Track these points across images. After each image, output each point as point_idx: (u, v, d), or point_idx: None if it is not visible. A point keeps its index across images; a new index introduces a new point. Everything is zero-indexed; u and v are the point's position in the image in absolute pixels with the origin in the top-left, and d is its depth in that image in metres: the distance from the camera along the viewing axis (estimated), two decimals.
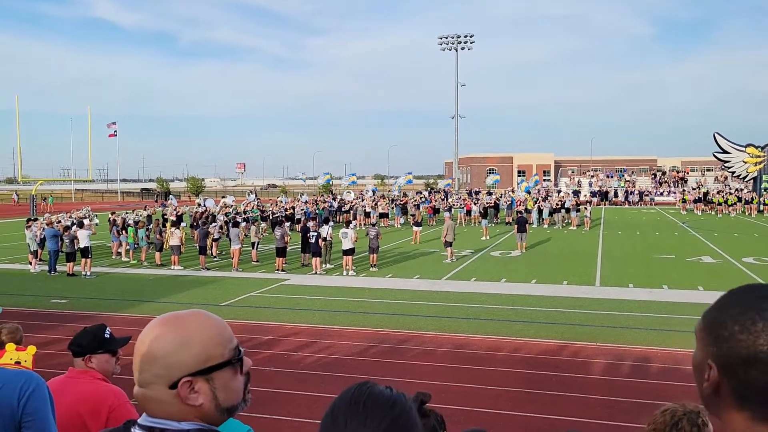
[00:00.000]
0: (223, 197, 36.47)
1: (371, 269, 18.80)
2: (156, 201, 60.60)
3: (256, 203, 34.25)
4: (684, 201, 44.52)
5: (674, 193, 55.00)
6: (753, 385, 0.98)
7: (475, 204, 35.41)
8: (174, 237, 19.85)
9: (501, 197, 39.54)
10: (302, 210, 32.15)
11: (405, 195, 43.64)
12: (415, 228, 26.17)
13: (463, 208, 35.92)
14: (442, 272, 18.33)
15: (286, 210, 31.79)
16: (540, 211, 34.00)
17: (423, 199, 40.07)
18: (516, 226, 22.93)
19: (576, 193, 52.79)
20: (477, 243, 25.72)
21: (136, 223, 22.11)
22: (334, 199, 39.02)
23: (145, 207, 31.82)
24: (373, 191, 44.03)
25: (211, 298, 14.99)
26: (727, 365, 1.01)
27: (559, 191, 52.13)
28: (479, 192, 52.55)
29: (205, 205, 31.22)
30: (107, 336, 3.08)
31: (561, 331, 11.41)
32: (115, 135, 74.63)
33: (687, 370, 9.05)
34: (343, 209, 36.00)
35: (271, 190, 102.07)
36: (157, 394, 1.29)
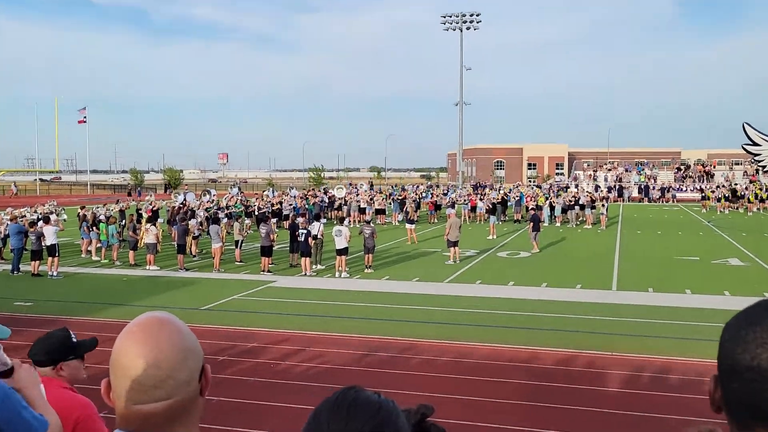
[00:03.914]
0: (205, 191, 36.39)
1: (366, 271, 18.82)
2: (129, 195, 60.44)
3: (239, 197, 34.18)
4: (706, 198, 44.59)
5: (699, 188, 55.16)
6: (732, 398, 0.99)
7: (480, 200, 35.44)
8: (149, 234, 19.82)
9: (510, 192, 39.58)
10: (291, 205, 32.13)
11: (404, 189, 43.62)
12: (408, 226, 26.19)
13: (467, 203, 35.96)
14: (444, 274, 18.35)
15: (272, 205, 31.77)
16: (552, 208, 34.07)
17: (424, 194, 40.09)
18: (530, 224, 23.01)
19: (596, 188, 52.94)
20: (483, 242, 25.75)
21: (108, 218, 22.06)
22: (325, 193, 38.96)
23: (118, 201, 31.76)
24: (369, 185, 44.03)
25: (190, 301, 14.98)
26: (719, 376, 1.03)
27: (576, 186, 52.18)
28: (485, 186, 52.56)
29: (184, 200, 31.17)
30: (75, 341, 3.08)
31: (574, 339, 11.44)
32: (85, 121, 74.51)
33: None
34: (335, 205, 36.00)
35: (256, 183, 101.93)
36: (189, 400, 1.34)
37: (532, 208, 26.49)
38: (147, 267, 19.56)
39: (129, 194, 62.32)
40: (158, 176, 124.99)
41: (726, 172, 61.40)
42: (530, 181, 77.21)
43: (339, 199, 36.59)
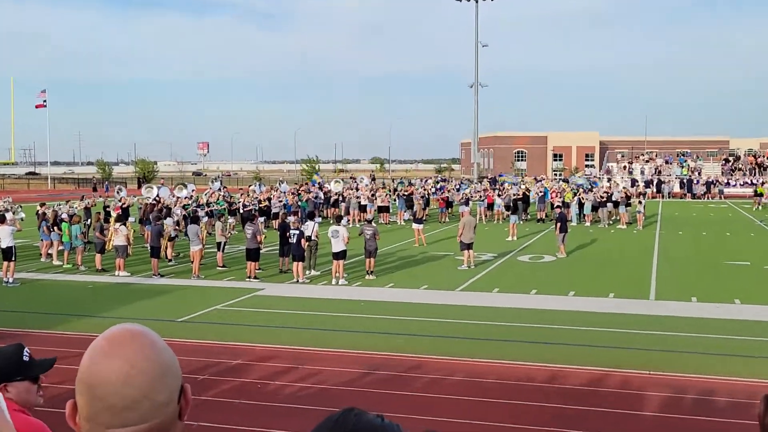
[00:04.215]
0: (180, 185, 36.42)
1: (367, 277, 18.85)
2: (95, 190, 60.61)
3: (222, 193, 34.26)
4: (758, 194, 44.49)
5: (750, 183, 55.04)
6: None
7: (499, 195, 35.46)
8: (119, 235, 19.89)
9: (532, 187, 39.55)
10: (281, 202, 32.19)
11: (410, 184, 43.63)
12: (415, 226, 26.22)
13: (483, 200, 35.99)
14: (456, 281, 18.37)
15: (260, 202, 31.85)
16: (581, 206, 34.08)
17: (435, 189, 40.11)
18: (557, 224, 22.95)
19: (632, 182, 52.85)
20: (501, 244, 25.77)
21: (71, 217, 22.14)
22: (320, 188, 39.00)
23: (83, 197, 31.85)
24: (371, 179, 44.09)
25: (165, 312, 15.02)
26: None
27: (609, 180, 52.14)
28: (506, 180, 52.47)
29: (157, 196, 31.25)
30: (26, 359, 3.06)
31: (605, 356, 11.44)
32: (45, 105, 74.69)
33: None
34: (332, 201, 36.05)
35: (241, 177, 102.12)
36: (167, 424, 1.35)
37: (558, 206, 26.47)
38: (116, 273, 19.62)
39: (94, 189, 62.50)
40: (129, 169, 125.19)
41: None
42: (556, 175, 77.16)
43: (336, 194, 36.65)
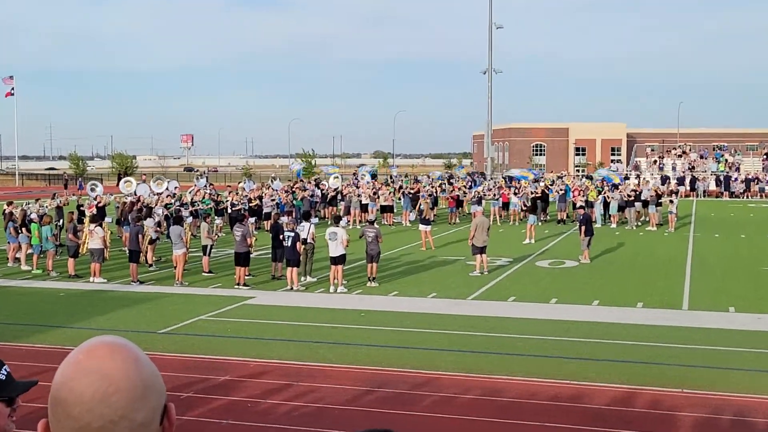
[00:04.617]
0: (158, 179, 36.44)
1: (369, 284, 18.86)
2: (66, 187, 60.76)
3: (208, 191, 34.30)
4: None
5: None
6: None
7: (515, 194, 35.46)
8: (94, 237, 19.91)
9: (552, 184, 39.53)
10: (273, 201, 32.20)
11: (416, 180, 43.64)
12: (422, 227, 26.19)
13: (498, 199, 35.99)
14: (467, 289, 18.37)
15: (250, 201, 31.89)
16: (606, 205, 34.05)
17: (442, 187, 40.11)
18: (581, 226, 22.86)
19: (663, 179, 52.75)
20: (518, 248, 25.75)
21: (41, 217, 22.18)
22: (317, 186, 39.04)
23: (54, 195, 31.92)
24: (372, 175, 44.11)
25: (145, 322, 15.04)
26: None
27: (638, 176, 52.09)
28: (560, 176, 52.32)
29: (136, 194, 31.31)
30: (4, 377, 3.05)
31: (634, 372, 11.43)
32: (13, 94, 74.93)
33: None
34: (329, 199, 36.05)
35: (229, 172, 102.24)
36: None
37: (581, 206, 26.41)
38: (91, 279, 19.64)
39: (65, 186, 62.63)
40: (105, 163, 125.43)
41: None
42: (578, 171, 77.11)
43: (334, 191, 36.66)
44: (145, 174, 76.13)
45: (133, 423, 1.33)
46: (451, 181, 45.78)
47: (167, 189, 32.53)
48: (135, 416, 1.33)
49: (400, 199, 37.26)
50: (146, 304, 16.94)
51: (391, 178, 50.71)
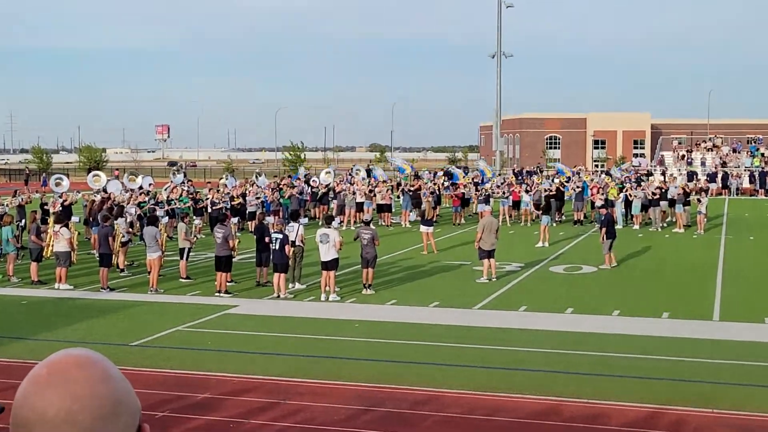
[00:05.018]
0: (131, 174, 36.43)
1: (365, 292, 18.86)
2: (26, 183, 60.72)
3: (186, 188, 34.28)
4: None
5: None
6: None
7: (527, 192, 35.49)
8: (59, 239, 19.89)
9: (568, 181, 39.52)
10: (258, 199, 32.17)
11: (417, 177, 43.62)
12: (424, 228, 26.17)
13: (508, 197, 36.01)
14: (474, 298, 18.37)
15: (232, 199, 31.86)
16: (628, 204, 34.07)
17: (446, 184, 40.10)
18: (602, 229, 22.77)
19: (691, 176, 52.74)
20: (529, 252, 25.77)
21: (1, 217, 22.15)
22: (307, 182, 39.02)
23: (15, 192, 31.88)
24: (368, 171, 44.07)
25: (116, 334, 15.02)
26: None
27: (663, 172, 52.10)
28: (533, 173, 52.62)
29: (106, 190, 31.27)
30: None
31: (658, 390, 11.44)
32: None
33: None
34: (320, 197, 36.02)
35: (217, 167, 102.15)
36: None
37: (603, 206, 26.34)
38: (56, 285, 19.61)
39: (26, 182, 62.58)
40: (71, 157, 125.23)
41: None
42: (597, 166, 77.21)
43: (325, 188, 36.64)
44: (117, 169, 76.15)
45: None
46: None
47: (141, 186, 32.57)
48: None
49: (399, 197, 37.23)
50: (117, 314, 16.91)
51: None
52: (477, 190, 36.39)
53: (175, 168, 45.64)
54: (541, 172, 54.09)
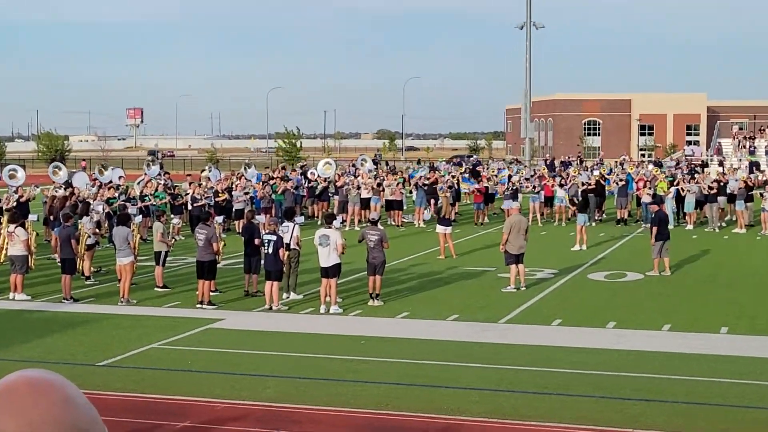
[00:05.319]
0: (100, 167, 36.52)
1: (371, 303, 18.84)
2: None
3: (162, 182, 34.34)
4: None
5: None
6: None
7: (561, 185, 35.40)
8: (15, 242, 19.93)
9: (610, 173, 39.44)
10: (246, 194, 32.17)
11: (433, 168, 43.66)
12: (440, 229, 26.06)
13: (539, 192, 35.93)
14: (499, 310, 18.34)
15: (217, 194, 31.88)
16: (680, 200, 33.97)
17: (465, 175, 40.07)
18: (653, 228, 22.63)
19: (753, 167, 52.57)
20: (564, 256, 25.74)
21: None
22: (304, 175, 39.04)
23: None
24: (375, 162, 44.13)
25: (81, 352, 15.04)
26: None
27: (721, 163, 51.93)
28: (569, 163, 52.56)
29: (71, 185, 31.34)
30: None
31: (715, 417, 11.40)
32: None
33: None
34: (320, 193, 36.00)
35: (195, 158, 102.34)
36: None
37: (654, 202, 26.19)
38: (11, 295, 19.64)
39: None
40: (29, 146, 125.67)
41: None
42: (643, 155, 77.04)
43: (325, 182, 36.63)
44: (84, 159, 76.17)
45: None
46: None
47: (110, 180, 32.63)
48: None
49: (411, 192, 37.21)
50: (82, 328, 16.93)
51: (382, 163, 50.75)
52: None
53: (150, 158, 45.67)
54: (581, 162, 53.99)
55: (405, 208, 35.97)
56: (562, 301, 19.53)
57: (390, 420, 11.43)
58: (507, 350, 15.03)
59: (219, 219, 22.50)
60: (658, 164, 49.70)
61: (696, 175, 38.65)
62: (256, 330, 16.81)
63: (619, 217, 34.91)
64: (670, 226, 31.13)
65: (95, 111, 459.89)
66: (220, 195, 31.94)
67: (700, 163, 54.88)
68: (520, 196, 34.00)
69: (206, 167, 45.95)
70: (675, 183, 35.28)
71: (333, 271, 18.20)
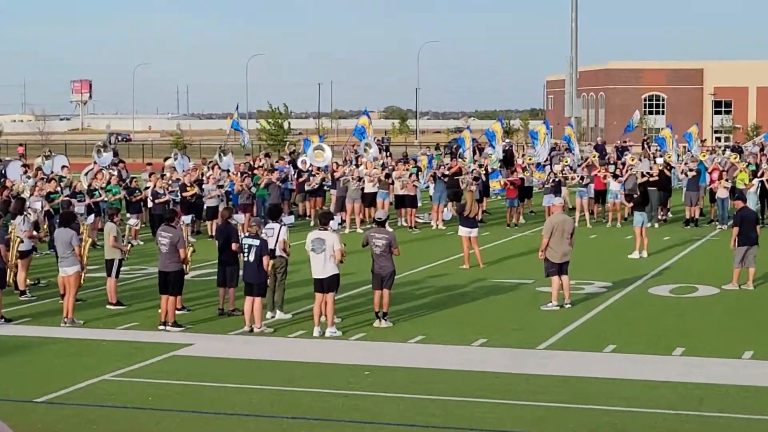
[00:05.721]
0: (43, 155, 36.65)
1: (378, 324, 18.89)
2: None
3: (116, 173, 34.40)
4: None
5: None
6: None
7: (616, 177, 35.29)
8: None
9: (677, 160, 39.36)
10: (221, 188, 32.21)
11: (453, 156, 43.55)
12: (464, 231, 25.96)
13: (588, 186, 35.85)
14: (538, 333, 18.40)
15: (183, 188, 31.90)
16: (765, 194, 33.86)
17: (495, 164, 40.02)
18: (735, 228, 22.55)
19: None
20: (619, 266, 25.78)
21: None
22: (293, 164, 39.02)
23: None
24: (382, 148, 44.08)
25: (15, 386, 15.09)
26: None
27: None
28: (624, 149, 52.44)
29: (3, 175, 31.45)
30: None
31: None
32: None
33: None
34: (312, 184, 35.98)
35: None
36: None
37: (738, 198, 26.05)
38: None
39: None
40: None
41: None
42: (719, 139, 76.91)
43: (318, 172, 36.58)
44: (21, 144, 76.13)
45: None
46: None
47: (52, 170, 32.70)
48: None
49: (427, 186, 37.15)
50: (16, 356, 17.00)
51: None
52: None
53: (100, 144, 45.62)
54: (648, 146, 53.75)
55: (420, 205, 35.94)
56: (617, 321, 19.55)
57: None
58: (547, 382, 15.05)
59: (187, 219, 22.59)
60: (738, 150, 49.58)
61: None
62: (232, 358, 16.84)
63: (688, 217, 34.85)
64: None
65: (32, 84, 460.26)
66: (188, 189, 31.94)
67: None
68: (564, 190, 33.96)
69: (171, 154, 45.99)
70: (759, 174, 35.13)
71: (329, 284, 18.22)
